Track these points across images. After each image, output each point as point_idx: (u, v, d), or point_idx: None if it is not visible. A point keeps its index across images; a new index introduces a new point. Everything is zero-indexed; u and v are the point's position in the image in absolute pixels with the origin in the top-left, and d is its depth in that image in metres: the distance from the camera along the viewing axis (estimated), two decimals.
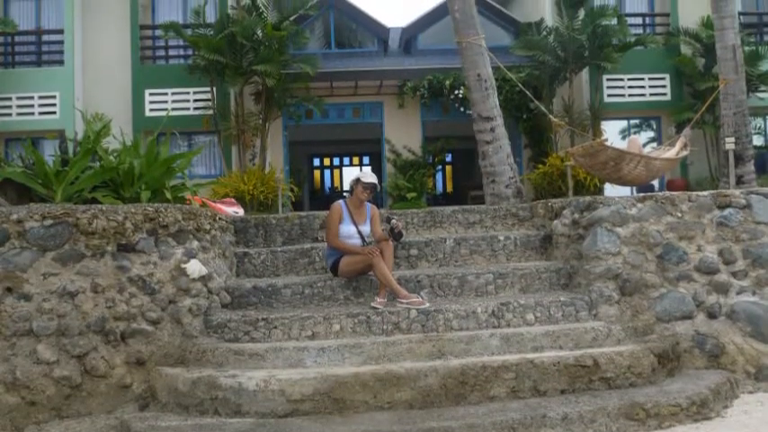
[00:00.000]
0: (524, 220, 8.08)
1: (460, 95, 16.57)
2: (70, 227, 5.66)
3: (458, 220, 7.99)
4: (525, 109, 16.68)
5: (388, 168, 17.83)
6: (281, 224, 7.74)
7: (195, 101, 16.83)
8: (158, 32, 16.77)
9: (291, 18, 16.24)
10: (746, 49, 14.97)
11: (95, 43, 16.88)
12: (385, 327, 5.96)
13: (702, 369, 6.00)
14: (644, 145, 12.40)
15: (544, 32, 16.86)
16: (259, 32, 15.60)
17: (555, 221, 7.28)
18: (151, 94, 16.77)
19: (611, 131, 16.77)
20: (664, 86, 17.32)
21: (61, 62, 16.70)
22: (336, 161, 28.65)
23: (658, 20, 18.26)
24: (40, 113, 16.42)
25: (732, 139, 11.60)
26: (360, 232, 6.74)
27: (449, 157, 24.82)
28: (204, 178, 15.33)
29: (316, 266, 7.19)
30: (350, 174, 25.87)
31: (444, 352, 5.59)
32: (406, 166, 17.54)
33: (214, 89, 16.17)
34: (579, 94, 17.00)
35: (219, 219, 6.95)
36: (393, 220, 6.56)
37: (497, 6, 19.12)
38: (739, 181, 11.77)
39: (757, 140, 16.78)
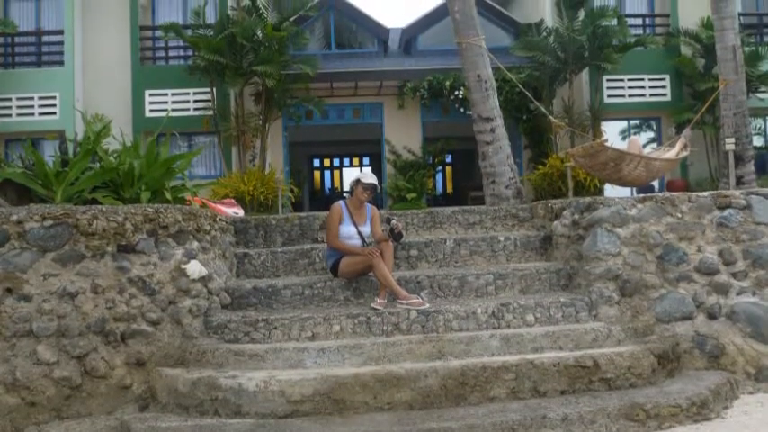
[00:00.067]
0: (524, 221, 8.08)
1: (460, 96, 16.59)
2: (70, 228, 5.65)
3: (458, 221, 7.99)
4: (525, 110, 16.70)
5: (388, 169, 17.84)
6: (281, 225, 7.74)
7: (195, 101, 16.84)
8: (158, 33, 16.80)
9: (291, 19, 16.27)
10: (746, 49, 14.99)
11: (95, 44, 16.89)
12: (385, 327, 5.96)
13: (702, 370, 6.00)
14: (644, 146, 12.39)
15: (544, 33, 16.88)
16: (259, 33, 15.61)
17: (555, 222, 7.28)
18: (151, 95, 16.79)
19: (611, 132, 16.78)
20: (664, 87, 17.33)
21: (61, 63, 16.72)
22: (336, 162, 28.66)
23: (658, 20, 18.28)
24: (40, 114, 16.44)
25: (732, 140, 11.60)
26: (360, 233, 6.74)
27: (449, 158, 24.84)
28: (204, 179, 15.34)
29: (316, 267, 7.19)
30: (350, 174, 25.88)
31: (444, 353, 5.59)
32: (406, 167, 17.55)
33: (214, 90, 16.18)
34: (579, 95, 17.01)
35: (219, 219, 6.95)
36: (393, 221, 6.55)
37: (497, 7, 19.14)
38: (739, 182, 11.77)
39: (757, 141, 16.79)
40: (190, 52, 16.77)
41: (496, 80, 11.81)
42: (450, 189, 26.83)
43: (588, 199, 6.95)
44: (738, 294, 6.33)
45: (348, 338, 5.85)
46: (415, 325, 5.98)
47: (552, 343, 5.76)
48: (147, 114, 16.63)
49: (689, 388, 5.34)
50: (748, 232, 6.51)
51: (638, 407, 4.97)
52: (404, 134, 17.91)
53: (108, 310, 5.62)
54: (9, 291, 5.48)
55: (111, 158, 7.66)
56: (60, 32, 16.83)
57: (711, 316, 6.25)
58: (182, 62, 17.35)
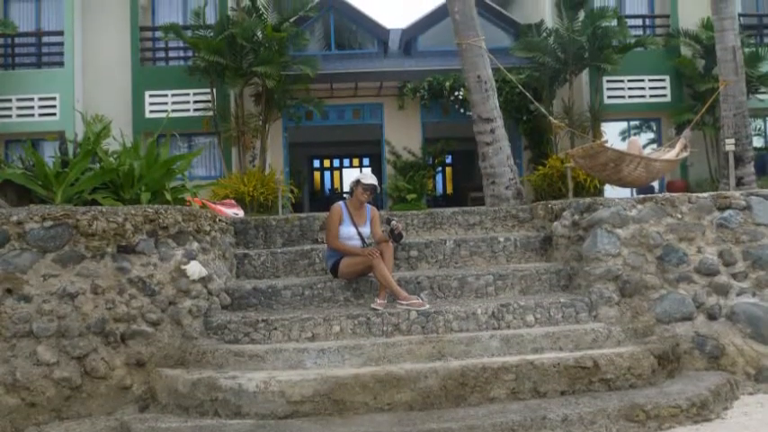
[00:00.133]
0: (524, 222, 8.08)
1: (460, 97, 16.59)
2: (70, 228, 5.66)
3: (458, 222, 7.99)
4: (525, 110, 16.70)
5: (388, 170, 17.85)
6: (281, 225, 7.74)
7: (195, 102, 16.85)
8: (158, 34, 16.81)
9: (291, 19, 16.28)
10: (746, 50, 15.00)
11: (95, 45, 16.90)
12: (385, 328, 5.96)
13: (702, 370, 6.00)
14: (644, 146, 12.39)
15: (544, 34, 16.88)
16: (259, 34, 15.62)
17: (555, 223, 7.28)
18: (151, 96, 16.79)
19: (611, 133, 16.78)
20: (664, 88, 17.34)
21: (61, 64, 16.73)
22: (336, 163, 28.67)
23: (658, 21, 18.28)
24: (40, 115, 16.44)
25: (732, 141, 11.60)
26: (360, 234, 6.74)
27: (449, 159, 24.86)
28: (204, 180, 15.34)
29: (316, 268, 7.19)
30: (350, 175, 25.89)
31: (444, 353, 5.59)
32: (406, 168, 17.55)
33: (214, 90, 16.18)
34: (579, 96, 17.01)
35: (219, 220, 6.95)
36: (393, 222, 6.55)
37: (497, 8, 19.15)
38: (739, 182, 11.77)
39: (757, 142, 16.79)
40: (190, 53, 16.78)
41: (496, 81, 11.81)
42: (450, 190, 26.85)
43: (588, 200, 6.95)
44: (738, 295, 6.33)
45: (348, 339, 5.85)
46: (415, 326, 5.98)
47: (552, 344, 5.76)
48: (147, 115, 16.63)
49: (689, 389, 5.34)
50: (748, 233, 6.51)
51: (638, 407, 4.97)
52: (404, 135, 17.91)
53: (108, 311, 5.62)
54: (9, 291, 5.48)
55: (111, 159, 7.67)
56: (60, 33, 16.84)
57: (711, 317, 6.25)
58: (182, 63, 17.37)
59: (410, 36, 19.45)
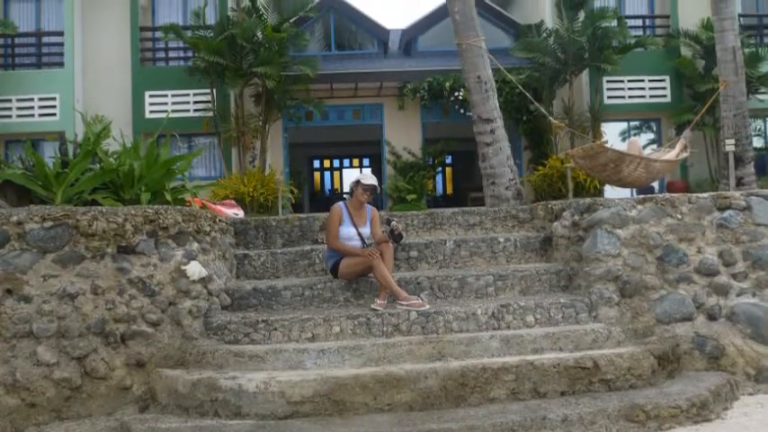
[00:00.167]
0: (524, 222, 8.08)
1: (460, 97, 16.59)
2: (70, 229, 5.66)
3: (458, 222, 7.99)
4: (525, 111, 16.70)
5: (388, 170, 17.85)
6: (281, 226, 7.74)
7: (195, 103, 16.85)
8: (158, 34, 16.81)
9: (291, 20, 16.29)
10: (746, 50, 15.00)
11: (95, 45, 16.90)
12: (385, 328, 5.96)
13: (702, 371, 6.00)
14: (644, 147, 12.39)
15: (544, 34, 16.88)
16: (259, 34, 15.62)
17: (555, 223, 7.28)
18: (151, 96, 16.79)
19: (611, 133, 16.78)
20: (664, 88, 17.34)
21: (61, 64, 16.73)
22: (336, 163, 28.68)
23: (658, 22, 18.28)
24: (40, 115, 16.44)
25: (732, 141, 11.60)
26: (360, 234, 6.74)
27: (449, 159, 24.85)
28: (204, 180, 15.34)
29: (316, 268, 7.19)
30: (350, 176, 25.90)
31: (444, 354, 5.59)
32: (406, 168, 17.55)
33: (214, 91, 16.18)
34: (579, 96, 17.02)
35: (219, 220, 6.95)
36: (393, 222, 6.55)
37: (497, 8, 19.15)
38: (739, 183, 11.77)
39: (757, 142, 16.79)
40: (190, 53, 16.78)
41: (496, 81, 11.81)
42: (450, 190, 26.86)
43: (588, 200, 6.95)
44: (738, 295, 6.34)
45: (348, 339, 5.85)
46: (414, 326, 5.98)
47: (552, 344, 5.76)
48: (147, 115, 16.63)
49: (689, 389, 5.34)
50: (748, 233, 6.51)
51: (637, 408, 4.97)
52: (404, 135, 17.92)
53: (108, 312, 5.62)
54: (9, 292, 5.48)
55: (111, 159, 7.67)
56: (60, 33, 16.85)
57: (711, 317, 6.25)
58: (182, 63, 17.37)
59: (410, 36, 19.46)
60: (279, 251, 7.29)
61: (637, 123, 18.06)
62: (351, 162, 28.48)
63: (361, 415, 5.00)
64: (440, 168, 22.67)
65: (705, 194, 6.74)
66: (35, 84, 16.46)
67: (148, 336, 5.71)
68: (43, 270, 5.56)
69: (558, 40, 16.23)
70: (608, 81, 17.10)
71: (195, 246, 6.17)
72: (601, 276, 6.35)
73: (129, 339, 5.64)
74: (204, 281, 6.08)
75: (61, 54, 16.75)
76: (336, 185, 28.68)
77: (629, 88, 17.33)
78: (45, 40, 17.34)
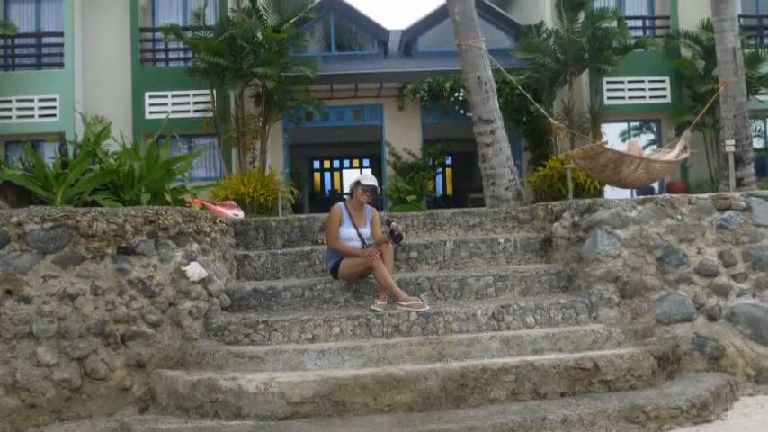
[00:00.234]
0: (524, 223, 8.09)
1: (460, 98, 16.58)
2: (70, 229, 5.66)
3: (458, 223, 7.99)
4: (525, 111, 16.69)
5: (388, 171, 17.84)
6: (281, 227, 7.74)
7: (195, 103, 16.84)
8: (158, 35, 16.80)
9: (291, 21, 16.28)
10: (746, 51, 14.99)
11: (95, 46, 16.89)
12: (385, 329, 5.96)
13: (702, 372, 6.01)
14: (644, 147, 12.38)
15: (544, 35, 16.87)
16: (259, 35, 15.61)
17: (555, 224, 7.28)
18: (151, 97, 16.78)
19: (611, 134, 16.77)
20: (664, 89, 17.33)
21: (61, 65, 16.72)
22: (336, 164, 28.66)
23: (658, 22, 18.27)
24: (40, 116, 16.43)
25: (732, 142, 11.59)
26: (360, 235, 6.74)
27: (449, 160, 24.83)
28: (204, 181, 15.33)
29: (316, 269, 7.20)
30: (350, 176, 25.89)
31: (444, 354, 5.59)
32: (406, 169, 17.54)
33: (214, 92, 16.18)
34: (579, 97, 17.01)
35: (219, 221, 6.95)
36: (393, 223, 6.56)
37: (497, 9, 19.13)
38: (739, 183, 11.76)
39: (757, 143, 16.78)
40: (190, 54, 16.77)
41: (496, 82, 11.81)
42: (450, 191, 26.85)
43: (588, 201, 6.95)
44: (738, 296, 6.34)
45: (348, 340, 5.86)
46: (414, 327, 5.98)
47: (552, 345, 5.76)
48: (147, 116, 16.62)
49: (689, 390, 5.34)
50: (748, 234, 6.51)
51: (637, 409, 4.98)
52: (404, 136, 17.91)
53: (108, 312, 5.63)
54: (9, 292, 5.49)
55: (111, 160, 7.67)
56: (60, 34, 16.84)
57: (711, 318, 6.25)
58: (182, 64, 17.35)
59: (410, 37, 19.44)
60: (279, 252, 7.30)
61: (637, 124, 18.05)
62: (351, 163, 28.47)
63: (361, 416, 5.00)
64: (440, 169, 22.64)
65: (705, 195, 6.74)
66: (35, 84, 16.46)
67: (148, 336, 5.71)
68: (43, 271, 5.56)
69: (558, 41, 16.23)
70: (608, 82, 17.09)
71: (195, 246, 6.17)
72: (601, 277, 6.35)
73: (129, 340, 5.65)
74: (204, 282, 6.08)
75: (61, 55, 16.75)
76: (336, 186, 28.67)
77: (629, 89, 17.32)
78: (45, 40, 17.33)
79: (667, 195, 6.84)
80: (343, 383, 5.08)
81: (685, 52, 17.02)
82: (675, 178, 16.50)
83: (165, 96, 16.79)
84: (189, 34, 16.02)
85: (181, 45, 16.85)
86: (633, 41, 16.41)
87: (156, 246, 5.95)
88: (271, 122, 16.40)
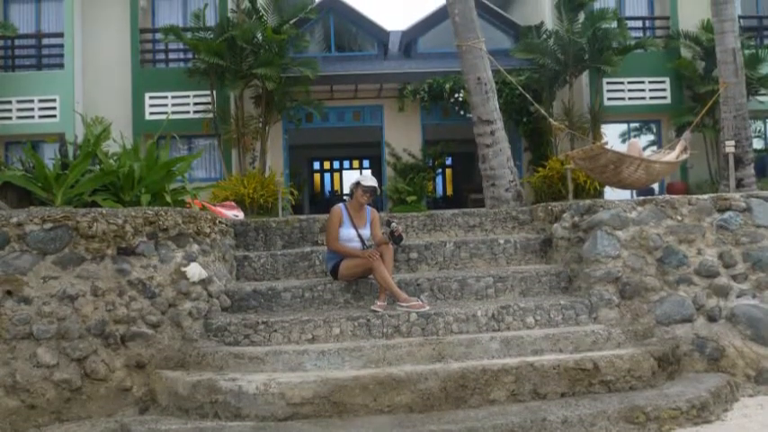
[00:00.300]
0: (524, 224, 8.09)
1: (460, 99, 16.58)
2: (70, 230, 5.66)
3: (458, 224, 8.00)
4: (525, 112, 16.71)
5: (388, 172, 17.83)
6: (281, 227, 7.74)
7: (195, 104, 16.84)
8: (158, 36, 16.80)
9: (291, 21, 16.28)
10: (746, 52, 14.99)
11: (95, 46, 16.90)
12: (385, 330, 5.96)
13: (702, 372, 6.01)
14: (644, 148, 12.39)
15: (544, 36, 16.88)
16: (259, 36, 15.62)
17: (555, 225, 7.28)
18: (151, 98, 16.78)
19: (612, 135, 16.78)
20: (664, 90, 17.33)
21: (61, 65, 16.72)
22: (336, 164, 28.66)
23: (658, 23, 18.27)
24: (40, 117, 16.44)
25: (732, 143, 11.59)
26: (360, 236, 6.74)
27: (449, 161, 24.83)
28: (204, 181, 15.35)
29: (316, 270, 7.20)
30: (350, 177, 25.92)
31: (444, 355, 5.59)
32: (406, 170, 17.54)
33: (214, 92, 16.18)
34: (579, 98, 17.01)
35: (219, 222, 6.95)
36: (393, 224, 6.56)
37: (497, 10, 19.14)
38: (739, 184, 11.76)
39: (757, 144, 16.78)
40: (190, 55, 16.77)
41: (496, 82, 11.81)
42: (450, 192, 26.85)
43: (588, 201, 6.95)
44: (738, 297, 6.34)
45: (348, 341, 5.86)
46: (415, 327, 5.98)
47: (552, 345, 5.76)
48: (147, 117, 16.63)
49: (689, 390, 5.34)
50: (748, 235, 6.51)
51: (637, 409, 4.97)
52: (404, 137, 17.90)
53: (108, 313, 5.63)
54: (9, 293, 5.49)
55: (111, 161, 7.67)
56: (60, 35, 16.84)
57: (711, 318, 6.25)
58: (182, 65, 17.35)
59: (410, 38, 19.44)
60: (279, 253, 7.30)
61: (637, 125, 18.05)
62: (351, 164, 28.46)
63: (360, 416, 5.00)
64: (440, 170, 22.63)
65: (705, 196, 6.75)
66: (35, 85, 16.46)
67: (148, 337, 5.71)
68: (43, 271, 5.56)
69: (558, 42, 16.23)
70: (608, 82, 17.10)
71: (195, 247, 6.17)
72: (601, 278, 6.35)
73: (129, 341, 5.65)
74: (204, 282, 6.08)
75: (61, 55, 16.75)
76: (336, 187, 28.66)
77: (629, 90, 17.31)
78: (45, 41, 17.33)
79: (667, 196, 6.85)
80: (343, 384, 5.08)
81: (685, 53, 17.02)
82: (675, 179, 16.50)
83: (165, 97, 16.79)
84: (189, 35, 16.02)
85: (181, 46, 16.86)
86: (633, 42, 16.42)
87: (156, 247, 5.95)
88: (271, 123, 16.40)
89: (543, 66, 16.22)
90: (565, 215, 7.14)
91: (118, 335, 5.62)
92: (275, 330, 5.92)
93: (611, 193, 14.50)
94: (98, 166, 7.52)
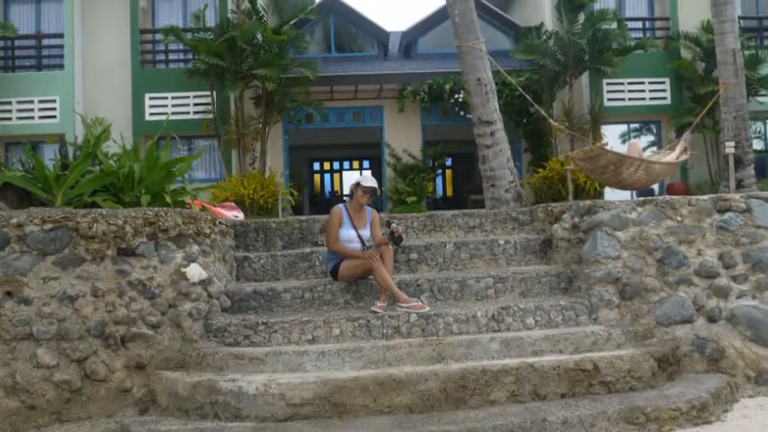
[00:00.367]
0: (524, 224, 8.09)
1: (460, 99, 16.58)
2: (70, 231, 5.66)
3: (458, 225, 8.00)
4: (525, 113, 16.71)
5: (388, 172, 17.83)
6: (281, 228, 7.74)
7: (195, 105, 16.84)
8: (158, 36, 16.80)
9: (291, 22, 16.28)
10: (746, 53, 14.98)
11: (95, 47, 16.89)
12: (385, 331, 5.96)
13: (702, 373, 6.01)
14: (644, 149, 12.39)
15: (544, 36, 16.88)
16: (259, 36, 15.62)
17: (555, 225, 7.28)
18: (151, 98, 16.78)
19: (612, 135, 16.78)
20: (664, 90, 17.33)
21: (61, 66, 16.71)
22: (336, 165, 28.65)
23: (658, 24, 18.28)
24: (41, 117, 16.43)
25: (732, 143, 11.60)
26: (360, 236, 6.74)
27: (449, 162, 24.82)
28: (204, 182, 15.35)
29: (316, 270, 7.20)
30: (350, 178, 25.91)
31: (444, 356, 5.59)
32: (406, 171, 17.54)
33: (214, 93, 16.18)
34: (579, 98, 17.01)
35: (219, 223, 6.95)
36: (393, 225, 6.56)
37: (497, 10, 19.14)
38: (739, 185, 11.76)
39: (757, 144, 16.77)
40: (190, 55, 16.76)
41: (496, 83, 11.81)
42: (450, 192, 26.84)
43: (588, 202, 6.95)
44: (738, 298, 6.34)
45: (348, 342, 5.86)
46: (415, 328, 5.98)
47: (552, 346, 5.76)
48: (147, 117, 16.63)
49: (689, 391, 5.34)
50: (748, 236, 6.51)
51: (638, 410, 4.98)
52: (404, 137, 17.90)
53: (108, 314, 5.63)
54: (9, 294, 5.49)
55: (111, 162, 7.67)
56: (60, 36, 16.84)
57: (711, 319, 6.25)
58: (182, 65, 17.34)
59: (410, 39, 19.44)
60: (279, 253, 7.30)
61: (637, 126, 18.05)
62: (351, 164, 28.46)
63: (360, 417, 5.00)
64: (440, 170, 22.62)
65: (705, 197, 6.75)
66: (35, 86, 16.46)
67: (148, 338, 5.71)
68: (43, 272, 5.57)
69: (558, 43, 16.23)
70: (608, 83, 17.09)
71: (195, 248, 6.17)
72: (601, 279, 6.35)
73: (129, 341, 5.65)
74: (204, 283, 6.08)
75: (61, 56, 16.75)
76: (336, 188, 28.66)
77: (629, 90, 17.31)
78: (45, 42, 17.32)
79: (667, 197, 6.85)
80: (343, 385, 5.08)
81: (685, 54, 17.02)
82: (675, 180, 16.51)
83: (165, 98, 16.79)
84: (189, 36, 16.02)
85: (181, 46, 16.86)
86: (633, 43, 16.42)
87: (156, 247, 5.95)
88: (271, 124, 16.40)
89: (543, 66, 16.22)
90: (565, 216, 7.14)
91: (118, 336, 5.62)
92: (275, 331, 5.92)
93: (611, 194, 14.50)
94: (98, 167, 7.52)
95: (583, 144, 14.06)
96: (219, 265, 6.64)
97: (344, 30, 19.34)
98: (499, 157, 11.07)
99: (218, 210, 9.40)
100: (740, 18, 16.60)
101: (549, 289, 6.81)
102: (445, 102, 17.25)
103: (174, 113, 15.62)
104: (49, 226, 5.62)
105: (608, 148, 9.49)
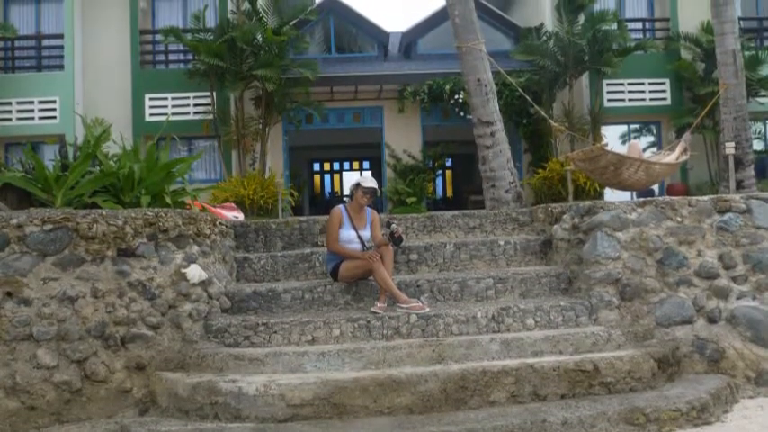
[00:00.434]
0: (524, 225, 8.09)
1: (460, 100, 16.58)
2: (70, 232, 5.66)
3: (458, 225, 7.99)
4: (525, 114, 16.71)
5: (388, 173, 17.83)
6: (281, 229, 7.74)
7: (195, 105, 16.84)
8: (158, 37, 16.80)
9: (291, 23, 16.27)
10: (746, 53, 14.98)
11: (95, 48, 16.90)
12: (385, 331, 5.96)
13: (702, 374, 6.01)
14: (644, 150, 12.39)
15: (544, 37, 16.88)
16: (259, 37, 15.62)
17: (555, 226, 7.28)
18: (151, 99, 16.78)
19: (612, 136, 16.78)
20: (664, 91, 17.33)
21: (61, 67, 16.72)
22: (336, 166, 28.66)
23: (658, 24, 18.28)
24: (40, 118, 16.43)
25: (732, 144, 11.60)
26: (360, 237, 6.74)
27: (449, 162, 24.82)
28: (204, 183, 15.36)
29: (316, 271, 7.19)
30: (350, 178, 25.90)
31: (444, 357, 5.59)
32: (406, 171, 17.53)
33: (214, 94, 16.18)
34: (579, 99, 17.01)
35: (219, 223, 6.95)
36: (393, 225, 6.56)
37: (497, 11, 19.14)
38: (739, 186, 11.76)
39: (757, 145, 16.76)
40: (190, 56, 16.77)
41: (496, 84, 11.81)
42: (450, 193, 26.84)
43: (588, 203, 6.95)
44: (738, 298, 6.34)
45: (348, 342, 5.86)
46: (415, 329, 5.98)
47: (552, 347, 5.76)
48: (147, 118, 16.63)
49: (689, 392, 5.34)
50: (748, 236, 6.51)
51: (638, 411, 4.98)
52: (404, 138, 17.90)
53: (108, 315, 5.63)
54: (9, 295, 5.49)
55: (111, 162, 7.67)
56: (60, 36, 16.84)
57: (711, 320, 6.25)
58: (182, 66, 17.35)
59: (410, 39, 19.44)
60: (279, 254, 7.30)
61: (637, 126, 18.05)
62: (351, 165, 28.46)
63: (360, 418, 5.00)
64: (440, 171, 22.61)
65: (705, 197, 6.75)
66: (35, 86, 16.46)
67: (148, 339, 5.71)
68: (43, 273, 5.57)
69: (558, 43, 16.23)
70: (608, 84, 17.09)
71: (195, 249, 6.17)
72: (601, 279, 6.35)
73: (129, 342, 5.65)
74: (204, 284, 6.08)
75: (61, 57, 16.75)
76: (336, 188, 28.66)
77: (629, 91, 17.31)
78: (45, 42, 17.33)
79: (667, 197, 6.85)
80: (343, 386, 5.07)
81: (685, 54, 17.02)
82: (675, 180, 16.51)
83: (165, 98, 16.79)
84: (189, 36, 16.03)
85: (181, 47, 16.87)
86: (633, 44, 16.42)
87: (156, 248, 5.95)
88: (271, 125, 16.40)
89: (543, 67, 16.22)
90: (565, 216, 7.14)
91: (118, 336, 5.62)
92: (275, 332, 5.92)
93: (611, 195, 14.49)
94: (98, 168, 7.52)
95: (583, 145, 14.06)
96: (219, 265, 6.64)
97: (344, 30, 19.35)
98: (499, 157, 11.07)
99: (218, 210, 9.39)
100: (740, 19, 16.61)
101: (549, 290, 6.81)
102: (445, 102, 17.25)
103: (174, 114, 15.62)
104: (49, 227, 5.62)
105: (608, 148, 9.50)
